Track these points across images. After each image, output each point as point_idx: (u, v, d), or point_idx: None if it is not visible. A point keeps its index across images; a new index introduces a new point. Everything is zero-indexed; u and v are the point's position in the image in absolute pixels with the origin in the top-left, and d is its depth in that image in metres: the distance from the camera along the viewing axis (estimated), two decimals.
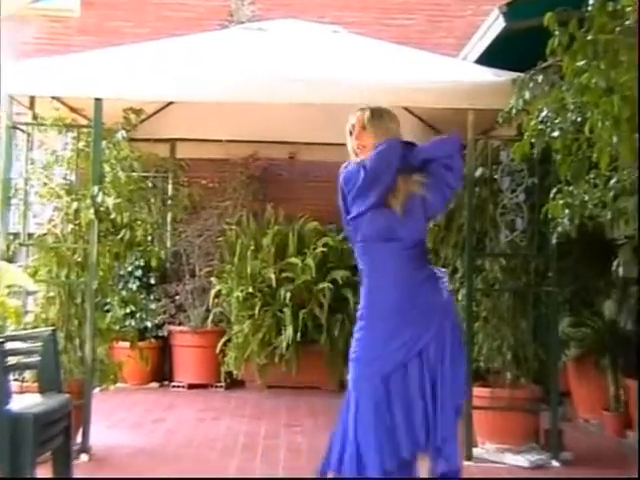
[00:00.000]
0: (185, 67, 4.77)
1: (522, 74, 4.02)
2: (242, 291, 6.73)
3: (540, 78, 3.79)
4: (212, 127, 6.70)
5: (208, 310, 7.04)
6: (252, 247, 6.90)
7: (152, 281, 7.15)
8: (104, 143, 4.78)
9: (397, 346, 3.02)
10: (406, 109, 6.56)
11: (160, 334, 7.08)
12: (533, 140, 3.59)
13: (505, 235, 4.85)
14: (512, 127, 4.44)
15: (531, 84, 3.84)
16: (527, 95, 3.79)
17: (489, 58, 5.20)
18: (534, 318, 4.86)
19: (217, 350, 6.83)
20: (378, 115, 3.28)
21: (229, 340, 6.81)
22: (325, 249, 6.88)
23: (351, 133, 3.33)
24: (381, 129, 3.24)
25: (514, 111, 3.91)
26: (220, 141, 7.05)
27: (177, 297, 7.12)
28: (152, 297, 7.12)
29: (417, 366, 3.02)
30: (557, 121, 3.45)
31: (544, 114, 3.51)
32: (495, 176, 4.94)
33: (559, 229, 3.63)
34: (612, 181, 3.31)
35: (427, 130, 6.93)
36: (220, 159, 7.33)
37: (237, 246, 6.95)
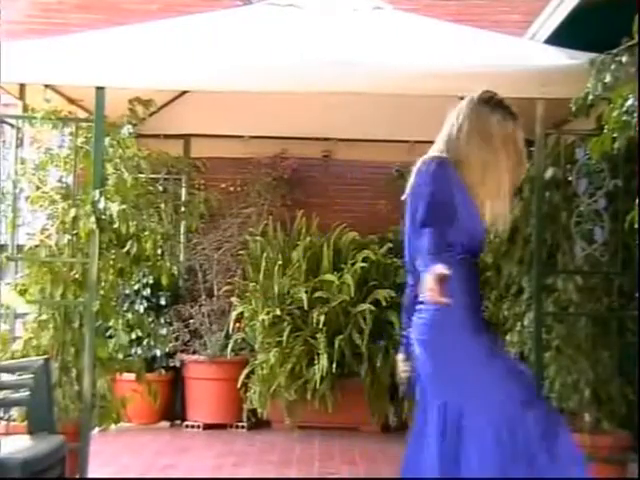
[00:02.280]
0: (203, 50, 4.77)
1: (602, 55, 3.95)
2: (268, 314, 6.71)
3: (625, 58, 3.72)
4: (233, 121, 6.71)
5: (228, 336, 7.02)
6: (280, 262, 6.88)
7: (162, 302, 7.15)
8: (107, 140, 4.80)
9: None
10: (462, 98, 6.51)
11: (171, 364, 7.06)
12: (616, 134, 3.52)
13: (581, 248, 4.78)
14: (590, 119, 4.37)
15: (613, 66, 3.77)
16: (608, 78, 3.72)
17: (562, 37, 5.15)
18: (619, 348, 4.77)
19: (238, 384, 6.80)
20: None
21: (252, 372, 6.79)
22: (365, 264, 6.84)
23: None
24: None
25: (591, 97, 3.85)
26: (242, 137, 7.05)
27: (192, 321, 7.11)
28: (162, 321, 7.12)
29: None
30: None
31: (630, 103, 3.45)
32: (569, 178, 4.87)
33: None
34: None
35: None
36: (242, 158, 7.34)
37: (262, 261, 6.94)
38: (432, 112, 7.07)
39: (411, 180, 2.99)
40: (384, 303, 6.68)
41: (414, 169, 2.99)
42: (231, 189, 7.44)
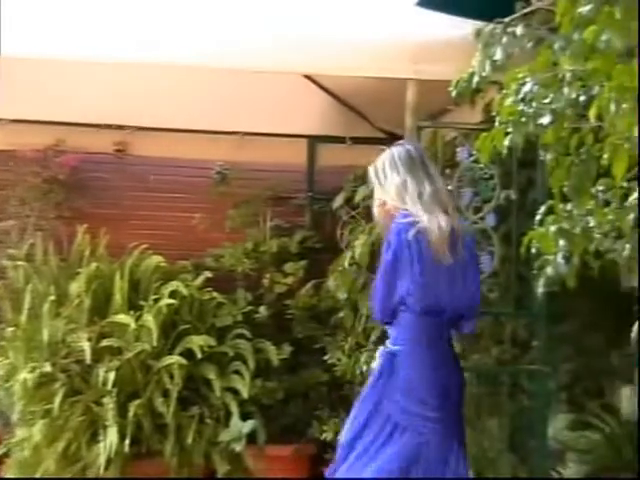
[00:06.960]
0: None
1: (492, 24, 4.07)
2: (33, 370, 6.57)
3: (519, 30, 3.84)
4: None
5: None
6: (52, 297, 6.76)
7: None
8: None
9: None
10: (309, 78, 6.60)
11: None
12: (509, 130, 3.62)
13: None
14: (476, 109, 4.51)
15: (504, 39, 3.87)
16: (498, 55, 3.81)
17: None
18: (511, 416, 4.90)
19: None
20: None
21: (7, 454, 6.65)
22: (174, 301, 6.80)
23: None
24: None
25: (477, 79, 3.94)
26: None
27: None
28: None
29: None
30: (547, 100, 3.49)
31: (527, 88, 3.52)
32: (448, 186, 4.97)
33: (549, 272, 3.63)
34: (632, 197, 3.36)
35: (342, 111, 6.99)
36: None
37: (26, 295, 6.81)
38: (270, 95, 7.14)
39: None
40: (199, 355, 6.64)
41: None
42: None
